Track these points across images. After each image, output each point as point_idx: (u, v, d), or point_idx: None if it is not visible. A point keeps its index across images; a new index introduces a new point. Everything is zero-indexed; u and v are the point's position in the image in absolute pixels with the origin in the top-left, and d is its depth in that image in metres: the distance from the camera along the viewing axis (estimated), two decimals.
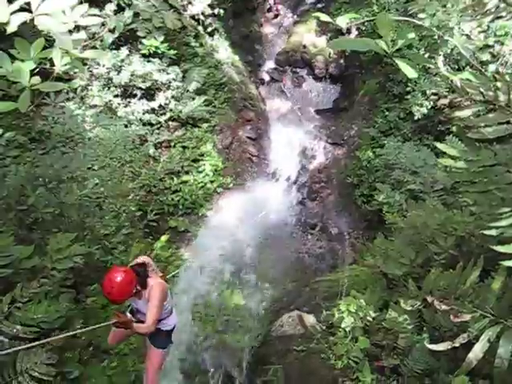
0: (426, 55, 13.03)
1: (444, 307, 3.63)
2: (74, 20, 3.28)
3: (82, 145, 10.47)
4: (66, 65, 3.61)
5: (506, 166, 2.99)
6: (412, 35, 2.54)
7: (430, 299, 3.85)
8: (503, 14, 3.60)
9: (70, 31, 3.34)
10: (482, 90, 2.83)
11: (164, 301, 5.21)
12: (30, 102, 3.24)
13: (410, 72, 2.47)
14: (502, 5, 3.33)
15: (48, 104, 9.52)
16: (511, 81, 3.05)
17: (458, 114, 3.04)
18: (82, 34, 3.39)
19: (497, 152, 3.03)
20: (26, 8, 2.91)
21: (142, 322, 5.03)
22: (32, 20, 2.91)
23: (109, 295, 4.68)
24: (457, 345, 3.29)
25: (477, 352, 3.16)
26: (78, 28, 3.45)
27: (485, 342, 3.15)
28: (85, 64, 13.57)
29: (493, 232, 2.94)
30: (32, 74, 3.18)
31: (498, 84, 2.89)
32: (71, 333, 5.25)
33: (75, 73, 13.30)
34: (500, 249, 2.82)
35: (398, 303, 4.89)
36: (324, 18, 3.00)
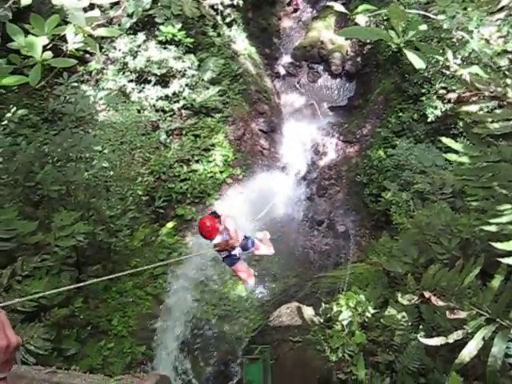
0: (444, 57, 12.96)
1: (441, 303, 3.61)
2: None
3: (92, 126, 10.51)
4: (78, 42, 3.60)
5: (511, 163, 2.96)
6: (424, 27, 2.50)
7: (427, 294, 3.83)
8: None
9: (85, 9, 3.34)
10: (491, 85, 2.79)
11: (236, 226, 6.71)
12: (40, 76, 3.24)
13: (418, 62, 2.45)
14: None
15: (61, 84, 9.54)
16: None
17: (465, 108, 3.02)
18: (96, 12, 3.38)
19: (502, 148, 3.00)
20: None
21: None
22: None
23: (206, 234, 6.22)
24: (450, 341, 3.26)
25: (471, 349, 3.13)
26: (92, 7, 3.45)
27: (479, 339, 3.12)
28: (101, 48, 13.61)
29: (493, 228, 2.91)
30: (45, 49, 3.18)
31: (508, 81, 2.85)
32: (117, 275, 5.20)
33: (91, 54, 13.36)
34: (499, 246, 2.79)
35: (397, 299, 4.87)
36: (338, 7, 2.98)
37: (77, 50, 3.70)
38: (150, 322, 9.21)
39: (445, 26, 11.95)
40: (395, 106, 14.57)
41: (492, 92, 2.81)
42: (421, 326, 4.97)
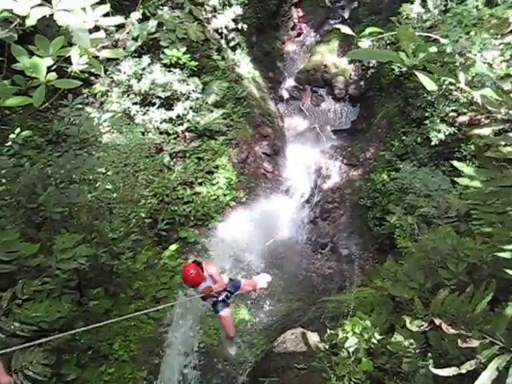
0: (447, 81, 13.02)
1: (452, 331, 3.51)
2: (95, 19, 3.28)
3: (96, 148, 10.50)
4: (83, 64, 3.60)
5: None
6: (434, 49, 2.48)
7: (437, 321, 3.73)
8: None
9: (90, 30, 3.33)
10: (503, 107, 2.75)
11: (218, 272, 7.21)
12: (44, 97, 3.23)
13: (429, 84, 2.41)
14: None
15: (65, 105, 9.58)
16: None
17: (477, 131, 2.97)
18: (101, 34, 3.37)
19: None
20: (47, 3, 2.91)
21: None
22: (52, 16, 2.91)
23: (191, 281, 6.74)
24: (463, 371, 3.17)
25: (484, 380, 3.03)
26: (98, 29, 3.44)
27: (493, 370, 3.02)
28: (106, 70, 13.70)
29: (507, 255, 2.85)
30: (49, 70, 3.17)
31: None
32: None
33: (96, 77, 13.45)
34: None
35: (404, 324, 4.75)
36: (345, 30, 2.95)
37: (81, 71, 3.70)
38: (153, 347, 9.09)
39: (448, 50, 12.02)
40: (398, 129, 14.59)
41: (504, 115, 2.77)
42: (429, 354, 4.86)
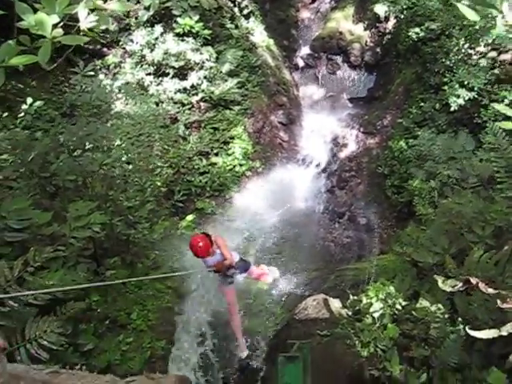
0: (466, 45, 12.67)
1: (490, 290, 3.34)
2: None
3: (109, 116, 10.37)
4: (91, 22, 3.45)
5: None
6: None
7: (473, 281, 3.55)
8: None
9: None
10: None
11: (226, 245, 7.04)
12: (50, 56, 3.10)
13: (471, 14, 2.25)
14: None
15: (77, 73, 9.44)
16: None
17: None
18: None
19: None
20: None
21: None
22: None
23: (196, 253, 6.67)
24: (504, 333, 3.01)
25: None
26: None
27: None
28: (118, 41, 13.54)
29: None
30: (56, 28, 3.04)
31: None
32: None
33: (108, 48, 13.29)
34: None
35: (429, 290, 4.60)
36: None
37: (89, 29, 3.56)
38: (171, 316, 9.07)
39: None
40: (416, 96, 14.30)
41: None
42: (459, 319, 4.70)
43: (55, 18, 3.09)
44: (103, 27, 3.50)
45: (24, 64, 3.13)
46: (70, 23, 3.43)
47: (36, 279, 5.67)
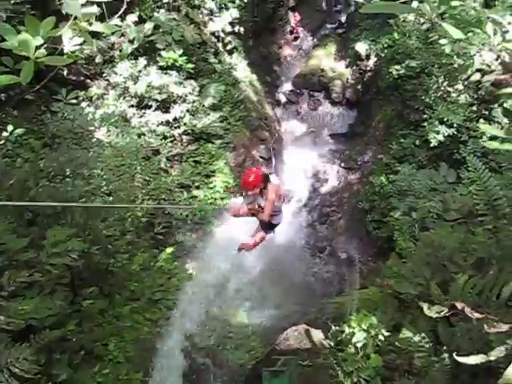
0: (445, 83, 12.91)
1: (477, 315, 3.30)
2: None
3: (90, 144, 10.29)
4: (75, 45, 3.47)
5: None
6: (456, 2, 2.33)
7: (459, 306, 3.51)
8: None
9: (83, 5, 3.21)
10: None
11: (276, 201, 6.79)
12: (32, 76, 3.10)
13: (456, 33, 2.26)
14: None
15: (59, 100, 9.40)
16: None
17: (505, 91, 2.79)
18: (94, 8, 3.22)
19: None
20: None
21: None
22: None
23: (244, 183, 6.43)
24: (492, 358, 2.95)
25: None
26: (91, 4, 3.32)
27: None
28: (101, 73, 13.58)
29: None
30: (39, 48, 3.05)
31: None
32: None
33: (92, 79, 13.30)
34: None
35: (413, 319, 4.55)
36: None
37: (73, 52, 3.55)
38: (149, 348, 8.88)
39: (447, 51, 11.90)
40: (397, 132, 14.46)
41: None
42: (444, 348, 4.63)
43: (39, 40, 3.09)
44: (87, 58, 3.51)
45: (5, 84, 3.11)
46: (54, 46, 3.43)
47: (11, 305, 5.50)
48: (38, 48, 3.07)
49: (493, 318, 3.14)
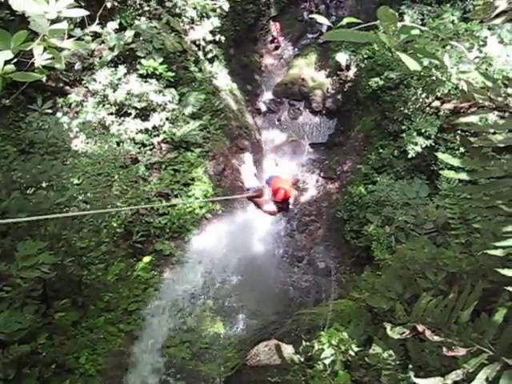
0: (424, 95, 13.05)
1: (436, 338, 3.32)
2: (57, 10, 3.13)
3: (66, 154, 10.22)
4: (46, 59, 3.44)
5: None
6: (416, 31, 2.34)
7: (420, 328, 3.54)
8: None
9: (53, 22, 3.19)
10: (490, 94, 2.61)
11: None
12: (1, 91, 3.08)
13: (412, 64, 2.27)
14: None
15: (35, 110, 9.33)
16: None
17: (463, 120, 2.81)
18: (64, 25, 3.20)
19: (506, 163, 2.77)
20: None
21: None
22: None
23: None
24: (449, 382, 2.97)
25: None
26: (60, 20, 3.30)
27: (482, 380, 2.83)
28: (81, 80, 13.51)
29: (498, 252, 2.68)
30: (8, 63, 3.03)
31: (510, 90, 2.67)
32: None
33: (71, 86, 13.24)
34: (508, 272, 2.56)
35: (382, 336, 4.57)
36: (320, 19, 2.81)
37: (44, 66, 3.53)
38: (122, 360, 8.79)
39: (425, 63, 12.05)
40: (375, 142, 14.55)
41: (492, 102, 2.63)
42: (410, 366, 4.66)
43: (9, 54, 3.07)
44: (67, 65, 3.49)
45: None
46: (25, 60, 3.42)
47: None
48: (8, 62, 3.06)
49: (451, 341, 3.17)
